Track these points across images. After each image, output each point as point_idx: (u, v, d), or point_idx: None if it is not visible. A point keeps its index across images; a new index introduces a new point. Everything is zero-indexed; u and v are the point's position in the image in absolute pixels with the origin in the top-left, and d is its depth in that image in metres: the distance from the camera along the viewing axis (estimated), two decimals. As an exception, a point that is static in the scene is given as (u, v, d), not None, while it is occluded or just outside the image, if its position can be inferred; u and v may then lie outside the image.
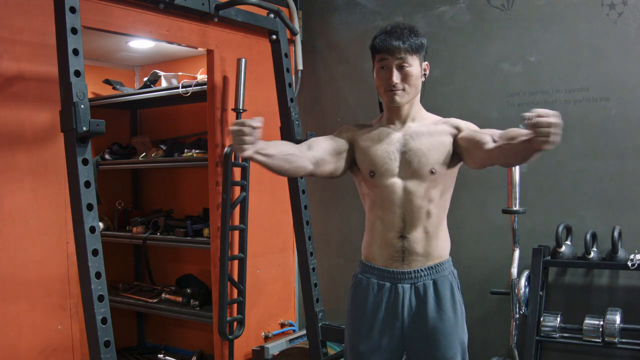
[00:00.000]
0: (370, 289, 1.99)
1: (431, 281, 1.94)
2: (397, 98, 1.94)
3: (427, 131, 1.97)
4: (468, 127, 1.96)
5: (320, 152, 1.97)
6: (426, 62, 2.01)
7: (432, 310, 1.93)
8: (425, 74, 2.01)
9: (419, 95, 2.02)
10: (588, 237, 2.79)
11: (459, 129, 1.96)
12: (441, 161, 1.93)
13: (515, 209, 2.71)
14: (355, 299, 2.04)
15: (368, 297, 2.00)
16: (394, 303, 1.95)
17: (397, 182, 1.95)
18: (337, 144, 2.03)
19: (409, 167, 1.94)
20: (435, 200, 1.95)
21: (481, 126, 2.00)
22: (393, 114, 2.02)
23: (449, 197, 2.02)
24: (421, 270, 1.94)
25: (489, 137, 1.81)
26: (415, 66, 1.94)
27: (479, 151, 1.84)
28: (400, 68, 1.93)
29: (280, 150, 1.83)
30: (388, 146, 1.98)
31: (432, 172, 1.92)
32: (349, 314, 2.07)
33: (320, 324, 2.91)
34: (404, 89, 1.94)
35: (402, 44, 1.91)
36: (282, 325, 3.71)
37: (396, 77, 1.92)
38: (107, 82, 4.08)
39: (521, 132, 1.64)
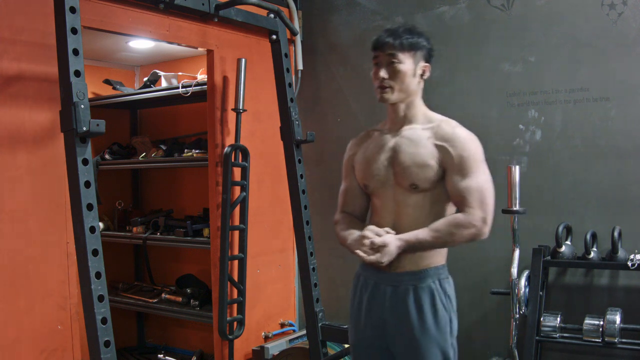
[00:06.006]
0: (360, 285, 2.07)
1: (412, 287, 1.94)
2: (385, 95, 1.93)
3: (415, 141, 1.93)
4: (454, 160, 1.90)
5: (362, 207, 2.14)
6: (426, 64, 1.97)
7: (411, 317, 1.93)
8: (422, 75, 1.97)
9: (417, 98, 1.98)
10: (588, 237, 2.79)
11: (445, 154, 1.90)
12: (422, 178, 1.91)
13: (515, 209, 2.70)
14: (351, 295, 2.12)
15: (358, 293, 2.07)
16: (377, 301, 2.00)
17: (387, 191, 1.98)
18: (355, 182, 2.10)
19: (396, 178, 1.95)
20: (426, 209, 1.94)
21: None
22: (390, 116, 2.02)
23: (444, 204, 1.98)
24: (403, 274, 1.94)
25: (457, 199, 1.94)
26: (407, 64, 1.91)
27: (448, 189, 1.95)
28: (389, 64, 1.91)
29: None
30: (380, 155, 1.98)
31: (413, 187, 1.92)
32: (349, 310, 2.13)
33: (320, 324, 2.90)
34: (391, 87, 1.91)
35: (392, 40, 1.90)
36: (282, 325, 3.71)
37: (384, 72, 1.92)
38: (107, 82, 4.08)
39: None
